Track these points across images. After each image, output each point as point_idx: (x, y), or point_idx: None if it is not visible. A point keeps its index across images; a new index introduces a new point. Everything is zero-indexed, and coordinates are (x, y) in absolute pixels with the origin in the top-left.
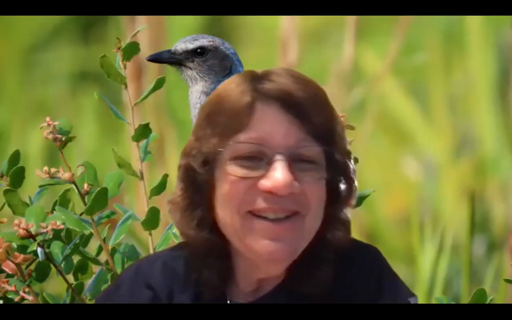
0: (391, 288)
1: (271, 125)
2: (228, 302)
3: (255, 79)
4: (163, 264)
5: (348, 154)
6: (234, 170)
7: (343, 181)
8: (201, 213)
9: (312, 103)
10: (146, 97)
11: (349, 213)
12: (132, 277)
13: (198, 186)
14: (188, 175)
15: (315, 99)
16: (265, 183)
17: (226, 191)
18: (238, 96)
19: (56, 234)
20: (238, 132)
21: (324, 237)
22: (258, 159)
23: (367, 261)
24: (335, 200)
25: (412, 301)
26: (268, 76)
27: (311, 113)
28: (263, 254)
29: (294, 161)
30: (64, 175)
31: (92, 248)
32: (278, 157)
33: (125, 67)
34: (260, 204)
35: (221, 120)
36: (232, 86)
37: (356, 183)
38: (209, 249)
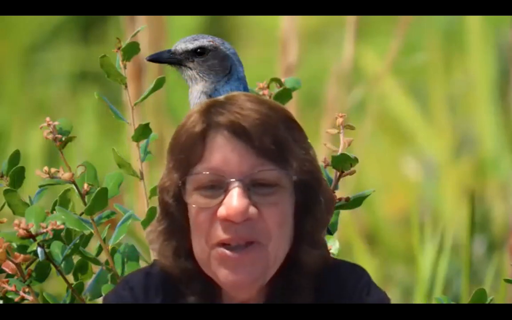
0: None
1: (225, 153)
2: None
3: (209, 109)
4: (161, 279)
5: (317, 172)
6: (195, 201)
7: (315, 200)
8: (176, 242)
9: (263, 127)
10: (146, 97)
11: (324, 234)
12: (143, 282)
13: (172, 217)
14: (163, 207)
15: (267, 121)
16: (221, 210)
17: (193, 223)
18: (191, 128)
19: (56, 234)
20: (195, 164)
21: (297, 259)
22: (217, 188)
23: (353, 280)
24: (306, 221)
25: None
26: (221, 104)
27: (262, 137)
28: (225, 283)
29: (253, 186)
30: (64, 175)
31: (92, 248)
32: (234, 184)
33: (125, 67)
34: (220, 235)
35: (179, 154)
36: (186, 120)
37: (332, 200)
38: (187, 276)
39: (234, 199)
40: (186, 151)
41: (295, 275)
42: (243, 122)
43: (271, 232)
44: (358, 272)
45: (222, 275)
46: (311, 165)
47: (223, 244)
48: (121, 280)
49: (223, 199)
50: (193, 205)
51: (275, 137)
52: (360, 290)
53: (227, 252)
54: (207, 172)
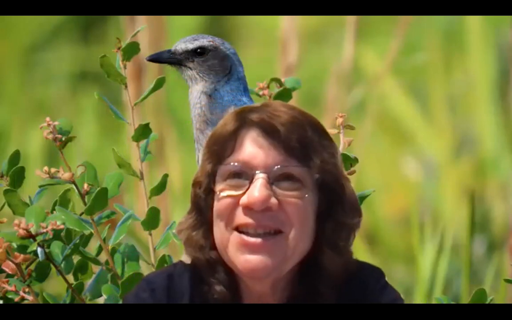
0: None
1: (253, 148)
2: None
3: (245, 110)
4: (190, 278)
5: (341, 177)
6: (222, 189)
7: (337, 203)
8: (202, 234)
9: (291, 126)
10: (146, 97)
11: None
12: (166, 284)
13: (200, 209)
14: (194, 200)
15: (295, 122)
16: (244, 198)
17: (216, 209)
18: (226, 125)
19: (56, 234)
20: (227, 157)
21: (318, 262)
22: (243, 179)
23: (372, 284)
24: (327, 223)
25: None
26: (257, 107)
27: (289, 135)
28: (242, 269)
29: (276, 180)
30: (64, 175)
31: (92, 248)
32: (258, 175)
33: (125, 67)
34: (240, 219)
35: (213, 148)
36: (223, 119)
37: (356, 208)
38: (212, 267)
39: (256, 189)
40: (219, 144)
41: (315, 282)
42: (272, 120)
43: (290, 224)
44: (376, 274)
45: (240, 260)
46: (335, 168)
47: (241, 231)
48: (142, 281)
49: (248, 188)
50: (219, 192)
51: (301, 137)
52: (377, 293)
53: (246, 237)
54: (236, 163)
